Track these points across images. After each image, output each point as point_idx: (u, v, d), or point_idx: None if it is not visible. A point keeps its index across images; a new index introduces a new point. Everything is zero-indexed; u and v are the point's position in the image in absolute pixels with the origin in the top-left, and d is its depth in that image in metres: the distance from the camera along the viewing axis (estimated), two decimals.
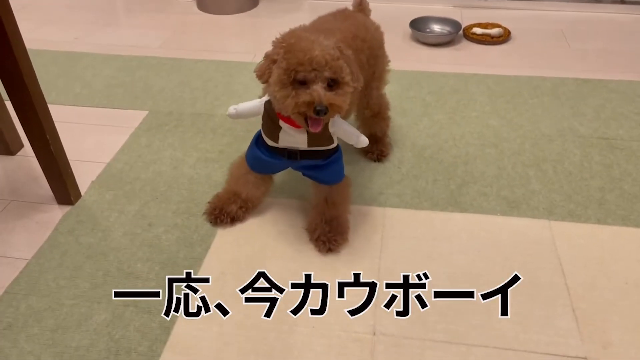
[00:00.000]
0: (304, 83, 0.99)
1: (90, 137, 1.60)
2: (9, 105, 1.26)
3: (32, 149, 1.26)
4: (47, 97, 1.19)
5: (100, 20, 2.38)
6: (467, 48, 2.12)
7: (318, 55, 0.97)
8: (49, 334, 1.03)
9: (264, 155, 1.18)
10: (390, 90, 1.78)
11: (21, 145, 1.54)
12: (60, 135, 1.28)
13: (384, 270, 1.15)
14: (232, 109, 1.15)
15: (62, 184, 1.30)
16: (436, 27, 2.23)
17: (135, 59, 2.03)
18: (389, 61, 1.40)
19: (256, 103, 1.14)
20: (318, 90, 0.97)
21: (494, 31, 2.14)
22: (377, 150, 1.46)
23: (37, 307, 1.08)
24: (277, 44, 1.04)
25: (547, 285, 1.11)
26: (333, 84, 1.00)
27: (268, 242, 1.22)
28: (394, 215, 1.29)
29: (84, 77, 1.91)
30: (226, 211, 1.25)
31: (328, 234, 1.18)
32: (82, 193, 1.37)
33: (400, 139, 1.56)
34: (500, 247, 1.20)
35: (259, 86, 1.81)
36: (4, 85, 1.13)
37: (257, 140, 1.20)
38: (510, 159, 1.48)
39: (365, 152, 1.47)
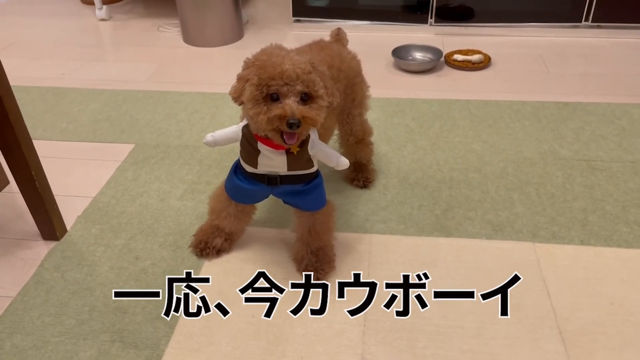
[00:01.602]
0: (277, 99, 0.99)
1: (77, 171, 1.60)
2: None
3: (17, 185, 1.26)
4: (34, 133, 1.20)
5: (87, 56, 2.41)
6: (449, 74, 2.16)
7: (289, 69, 0.97)
8: None
9: (243, 183, 1.17)
10: (375, 118, 1.82)
11: (7, 182, 1.54)
12: (46, 171, 1.28)
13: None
14: (209, 137, 1.13)
15: (48, 219, 1.30)
16: (418, 55, 2.28)
17: (122, 92, 2.05)
18: (369, 87, 1.42)
19: (233, 129, 1.14)
20: (290, 103, 0.97)
21: (475, 57, 2.19)
22: (363, 177, 1.48)
23: (22, 345, 1.07)
24: (249, 63, 1.04)
25: (533, 308, 1.12)
26: (307, 98, 1.00)
27: (255, 273, 1.22)
28: (380, 241, 1.30)
29: (70, 112, 1.92)
30: (211, 244, 1.25)
31: (315, 264, 1.19)
32: (68, 228, 1.36)
33: (385, 166, 1.58)
34: (485, 270, 1.21)
35: None
36: None
37: (236, 169, 1.19)
38: (493, 183, 1.50)
39: (350, 179, 1.49)
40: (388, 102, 1.93)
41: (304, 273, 1.18)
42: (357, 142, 1.42)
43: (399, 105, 1.91)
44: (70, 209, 1.41)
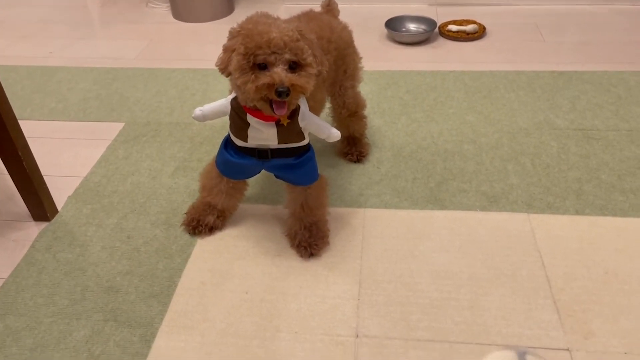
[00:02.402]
0: (264, 67, 0.96)
1: (67, 151, 1.58)
2: None
3: (5, 166, 1.24)
4: (22, 113, 1.18)
5: (75, 34, 2.36)
6: (443, 45, 2.13)
7: (276, 37, 0.95)
8: (27, 354, 1.01)
9: (233, 158, 1.15)
10: (368, 91, 1.79)
11: None
12: (35, 151, 1.26)
13: (365, 270, 1.14)
14: (197, 111, 1.11)
15: (38, 200, 1.29)
16: (412, 26, 2.24)
17: (111, 70, 2.02)
18: (361, 58, 1.39)
19: (222, 102, 1.11)
20: (278, 71, 0.95)
21: (469, 28, 2.15)
22: (356, 151, 1.46)
23: (15, 326, 1.06)
24: (235, 32, 1.01)
25: (528, 278, 1.11)
26: (295, 67, 0.98)
27: (248, 249, 1.21)
28: (374, 215, 1.29)
29: (59, 92, 1.89)
30: (204, 222, 1.24)
31: (309, 239, 1.18)
32: (59, 208, 1.35)
33: (379, 139, 1.56)
34: (480, 242, 1.20)
35: None
36: None
37: (226, 143, 1.17)
38: (488, 154, 1.48)
39: (344, 153, 1.47)
40: (381, 74, 1.91)
41: (297, 248, 1.18)
42: (349, 115, 1.40)
43: (392, 77, 1.89)
44: (60, 189, 1.40)
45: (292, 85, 0.95)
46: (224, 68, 1.01)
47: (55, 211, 1.34)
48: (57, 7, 2.66)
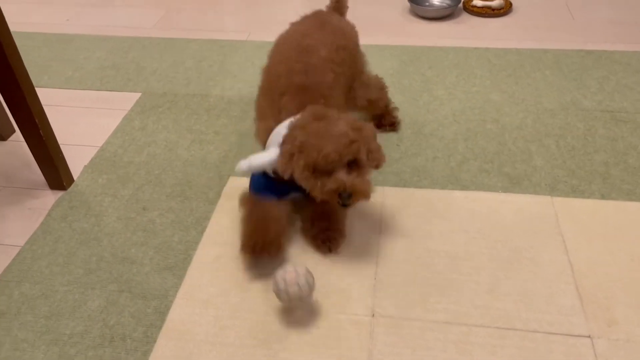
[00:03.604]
0: (327, 172, 0.98)
1: (83, 120, 1.57)
2: None
3: (22, 134, 1.23)
4: (39, 80, 1.17)
5: (92, 1, 2.33)
6: (467, 21, 2.06)
7: (331, 153, 0.96)
8: (42, 321, 1.01)
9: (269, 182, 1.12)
10: (389, 66, 1.75)
11: (12, 131, 1.51)
12: (52, 119, 1.25)
13: (383, 249, 1.12)
14: (244, 165, 1.05)
15: (54, 169, 1.28)
16: (435, 1, 2.17)
17: (128, 39, 1.99)
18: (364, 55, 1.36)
19: (272, 157, 1.04)
20: (342, 177, 0.98)
21: (495, 3, 2.08)
22: (387, 122, 1.45)
23: (30, 294, 1.06)
24: (290, 140, 1.00)
25: (550, 263, 1.08)
26: (353, 165, 1.00)
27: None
28: (393, 194, 1.26)
29: (75, 60, 1.87)
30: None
31: (327, 231, 1.13)
32: (75, 178, 1.34)
33: (400, 116, 1.52)
34: (501, 224, 1.18)
35: (254, 66, 1.78)
36: None
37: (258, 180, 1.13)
38: (511, 134, 1.44)
39: (377, 125, 1.41)
40: (403, 49, 1.86)
41: (314, 241, 1.14)
42: (370, 103, 1.37)
43: (414, 53, 1.84)
44: (77, 159, 1.39)
45: (354, 191, 0.98)
46: (285, 172, 1.01)
47: (71, 180, 1.33)
48: None
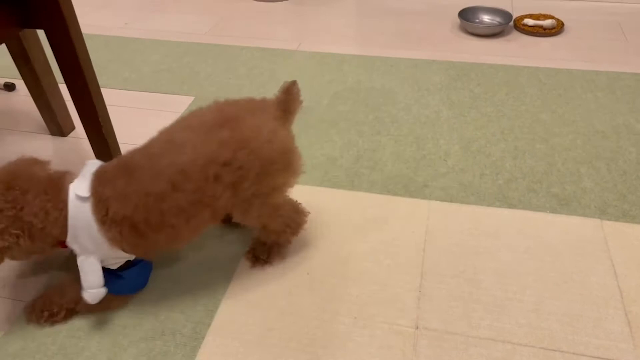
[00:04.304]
0: None
1: (139, 120, 1.63)
2: (62, 87, 1.31)
3: (85, 130, 1.29)
4: (98, 80, 1.22)
5: (149, 6, 2.42)
6: (518, 39, 2.06)
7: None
8: (98, 314, 1.05)
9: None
10: (437, 81, 1.76)
11: (72, 127, 1.58)
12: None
13: (428, 263, 1.13)
14: (94, 295, 0.96)
15: None
16: (486, 18, 2.17)
17: (183, 44, 2.06)
18: (298, 173, 1.03)
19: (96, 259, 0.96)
20: None
21: (547, 22, 2.07)
22: (264, 252, 1.15)
23: None
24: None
25: (598, 287, 1.07)
26: None
27: (310, 231, 1.22)
28: (439, 208, 1.27)
29: (133, 62, 1.94)
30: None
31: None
32: None
33: (447, 131, 1.53)
34: (549, 245, 1.17)
35: (304, 75, 1.82)
36: (60, 68, 1.16)
37: None
38: (561, 155, 1.43)
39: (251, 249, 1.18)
40: (452, 65, 1.86)
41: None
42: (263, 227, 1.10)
43: (463, 69, 1.84)
44: None
45: None
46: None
47: None
48: None
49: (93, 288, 0.94)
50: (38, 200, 0.88)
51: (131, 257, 1.00)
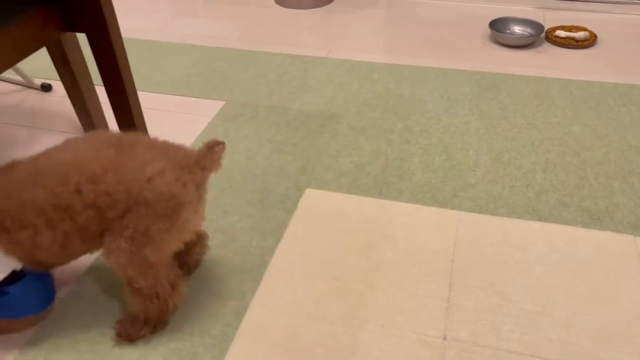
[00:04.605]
0: None
1: (170, 123, 1.65)
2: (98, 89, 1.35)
3: (119, 131, 1.31)
4: None
5: (181, 11, 2.46)
6: (549, 51, 2.04)
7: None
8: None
9: None
10: (467, 91, 1.76)
11: (107, 128, 1.61)
12: None
13: (457, 273, 1.13)
14: None
15: None
16: (517, 29, 2.16)
17: (214, 50, 2.09)
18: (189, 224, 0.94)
19: None
20: None
21: (579, 35, 2.05)
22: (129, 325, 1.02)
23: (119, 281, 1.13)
24: None
25: (631, 303, 1.06)
26: None
27: (339, 238, 1.23)
28: (468, 219, 1.27)
29: (165, 66, 1.98)
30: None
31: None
32: None
33: (476, 141, 1.53)
34: (580, 259, 1.15)
35: (333, 82, 1.83)
36: (99, 70, 1.19)
37: None
38: (593, 169, 1.41)
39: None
40: (482, 75, 1.86)
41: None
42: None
43: (493, 79, 1.83)
44: None
45: None
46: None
47: None
48: None
49: None
50: None
51: (16, 264, 0.94)
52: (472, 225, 1.25)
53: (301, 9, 2.45)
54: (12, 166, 0.91)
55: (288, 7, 2.47)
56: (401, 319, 1.04)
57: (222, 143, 0.97)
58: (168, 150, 0.94)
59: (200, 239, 1.13)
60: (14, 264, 0.94)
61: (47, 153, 0.92)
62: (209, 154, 0.95)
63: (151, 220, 0.88)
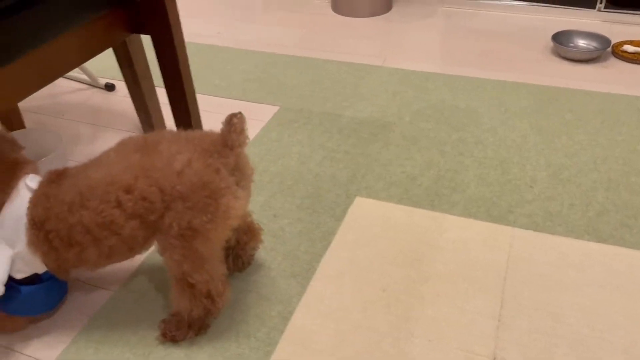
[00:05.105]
0: None
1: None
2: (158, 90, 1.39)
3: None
4: None
5: (240, 17, 2.51)
6: (615, 66, 1.96)
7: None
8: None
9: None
10: (526, 105, 1.71)
11: (164, 128, 1.66)
12: None
13: (509, 291, 1.09)
14: None
15: None
16: (581, 42, 2.09)
17: (271, 55, 2.11)
18: (217, 219, 0.90)
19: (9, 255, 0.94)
20: None
21: None
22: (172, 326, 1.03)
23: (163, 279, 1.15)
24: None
25: None
26: None
27: (388, 248, 1.21)
28: (523, 236, 1.23)
29: (223, 70, 2.02)
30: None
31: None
32: None
33: (534, 156, 1.48)
34: None
35: (387, 91, 1.82)
36: (161, 72, 1.23)
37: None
38: None
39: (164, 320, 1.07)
40: (542, 89, 1.80)
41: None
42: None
43: (554, 94, 1.77)
44: None
45: None
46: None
47: None
48: None
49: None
50: None
51: (40, 269, 0.97)
52: (527, 242, 1.21)
53: (358, 17, 2.45)
54: (61, 175, 0.93)
55: (345, 15, 2.48)
56: (449, 334, 1.02)
57: (239, 113, 0.92)
58: (193, 139, 0.91)
59: (254, 235, 1.14)
60: (37, 268, 0.96)
61: (86, 171, 0.92)
62: (231, 129, 0.90)
63: (191, 214, 0.87)
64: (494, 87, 1.83)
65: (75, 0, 0.97)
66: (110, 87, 1.91)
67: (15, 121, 1.47)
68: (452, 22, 2.36)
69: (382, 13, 2.47)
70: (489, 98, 1.77)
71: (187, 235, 0.88)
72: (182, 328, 1.01)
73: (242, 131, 0.92)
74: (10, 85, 0.97)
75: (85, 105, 1.84)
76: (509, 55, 2.06)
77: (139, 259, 1.20)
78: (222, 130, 0.91)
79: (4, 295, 0.93)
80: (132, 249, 0.94)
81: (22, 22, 0.92)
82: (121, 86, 1.93)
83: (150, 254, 1.21)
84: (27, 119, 1.73)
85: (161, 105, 1.58)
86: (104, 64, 2.03)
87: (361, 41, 2.25)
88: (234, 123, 0.91)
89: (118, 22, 1.13)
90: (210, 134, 0.94)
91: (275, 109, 1.76)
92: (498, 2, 2.42)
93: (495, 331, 1.02)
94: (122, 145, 0.95)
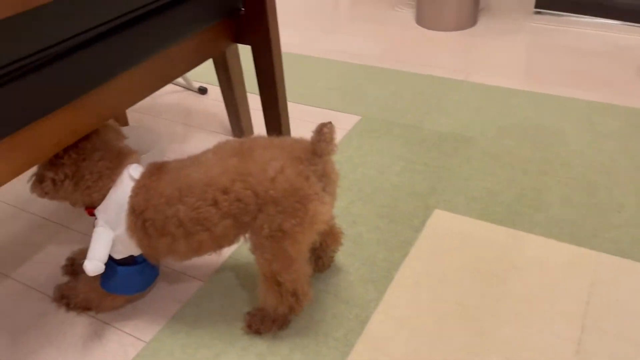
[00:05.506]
0: None
1: (309, 133, 1.74)
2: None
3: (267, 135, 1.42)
4: None
5: (325, 27, 2.59)
6: None
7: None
8: (246, 307, 1.15)
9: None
10: (615, 127, 1.66)
11: (252, 133, 1.75)
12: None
13: (591, 316, 1.07)
14: (93, 266, 0.98)
15: None
16: None
17: (354, 66, 2.17)
18: (306, 218, 0.94)
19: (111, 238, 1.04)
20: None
21: None
22: (257, 321, 1.10)
23: (243, 283, 1.22)
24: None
25: None
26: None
27: (464, 263, 1.22)
28: (608, 261, 1.20)
29: (307, 79, 2.09)
30: None
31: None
32: None
33: (623, 180, 1.44)
34: None
35: (469, 107, 1.82)
36: (257, 79, 1.30)
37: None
38: None
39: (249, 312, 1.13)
40: (634, 112, 1.74)
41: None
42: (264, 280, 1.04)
43: None
44: None
45: None
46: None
47: None
48: (310, 1, 2.94)
49: (96, 259, 0.98)
50: (100, 163, 1.00)
51: (136, 252, 1.05)
52: (612, 268, 1.18)
53: (442, 31, 2.46)
54: (161, 169, 1.01)
55: (429, 28, 2.49)
56: (526, 355, 1.02)
57: (329, 123, 0.96)
58: (285, 146, 0.97)
59: (335, 237, 1.19)
60: (133, 250, 1.05)
61: (186, 169, 0.99)
62: (320, 138, 0.95)
63: (282, 217, 0.93)
64: (582, 107, 1.79)
65: (193, 12, 1.06)
66: (203, 91, 2.02)
67: (121, 119, 1.60)
68: (540, 38, 2.32)
69: (467, 27, 2.47)
70: (577, 118, 1.73)
71: (277, 236, 0.95)
72: (267, 322, 1.08)
73: (331, 140, 0.96)
74: (137, 86, 1.07)
75: (180, 106, 1.96)
76: (600, 74, 2.00)
77: (224, 255, 1.28)
78: (312, 138, 0.96)
79: (104, 274, 1.05)
80: (220, 245, 1.02)
81: (150, 29, 1.01)
82: (212, 90, 2.05)
83: (235, 252, 1.28)
84: (129, 117, 1.87)
85: (251, 110, 1.67)
86: (198, 68, 2.16)
87: (444, 55, 2.26)
88: (324, 132, 0.95)
89: (224, 32, 1.21)
90: (300, 142, 0.99)
91: (357, 118, 1.80)
92: (590, 20, 2.35)
93: (575, 356, 1.01)
94: (219, 148, 1.02)
